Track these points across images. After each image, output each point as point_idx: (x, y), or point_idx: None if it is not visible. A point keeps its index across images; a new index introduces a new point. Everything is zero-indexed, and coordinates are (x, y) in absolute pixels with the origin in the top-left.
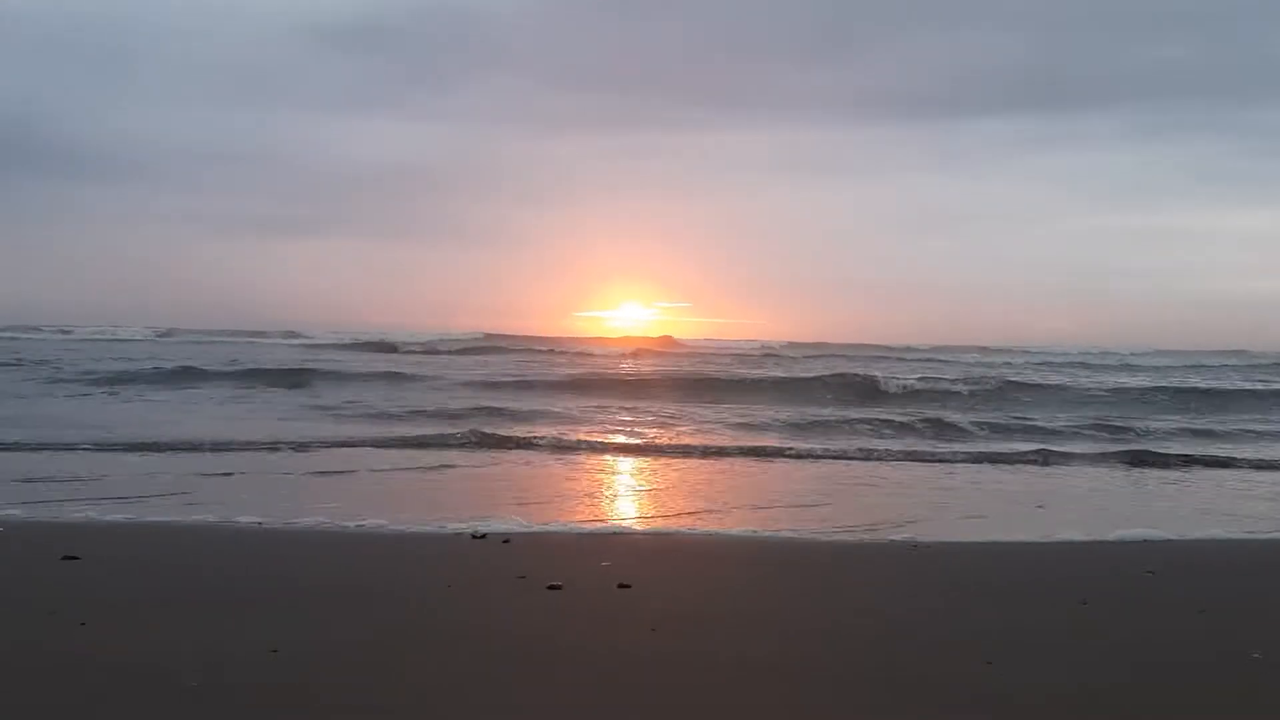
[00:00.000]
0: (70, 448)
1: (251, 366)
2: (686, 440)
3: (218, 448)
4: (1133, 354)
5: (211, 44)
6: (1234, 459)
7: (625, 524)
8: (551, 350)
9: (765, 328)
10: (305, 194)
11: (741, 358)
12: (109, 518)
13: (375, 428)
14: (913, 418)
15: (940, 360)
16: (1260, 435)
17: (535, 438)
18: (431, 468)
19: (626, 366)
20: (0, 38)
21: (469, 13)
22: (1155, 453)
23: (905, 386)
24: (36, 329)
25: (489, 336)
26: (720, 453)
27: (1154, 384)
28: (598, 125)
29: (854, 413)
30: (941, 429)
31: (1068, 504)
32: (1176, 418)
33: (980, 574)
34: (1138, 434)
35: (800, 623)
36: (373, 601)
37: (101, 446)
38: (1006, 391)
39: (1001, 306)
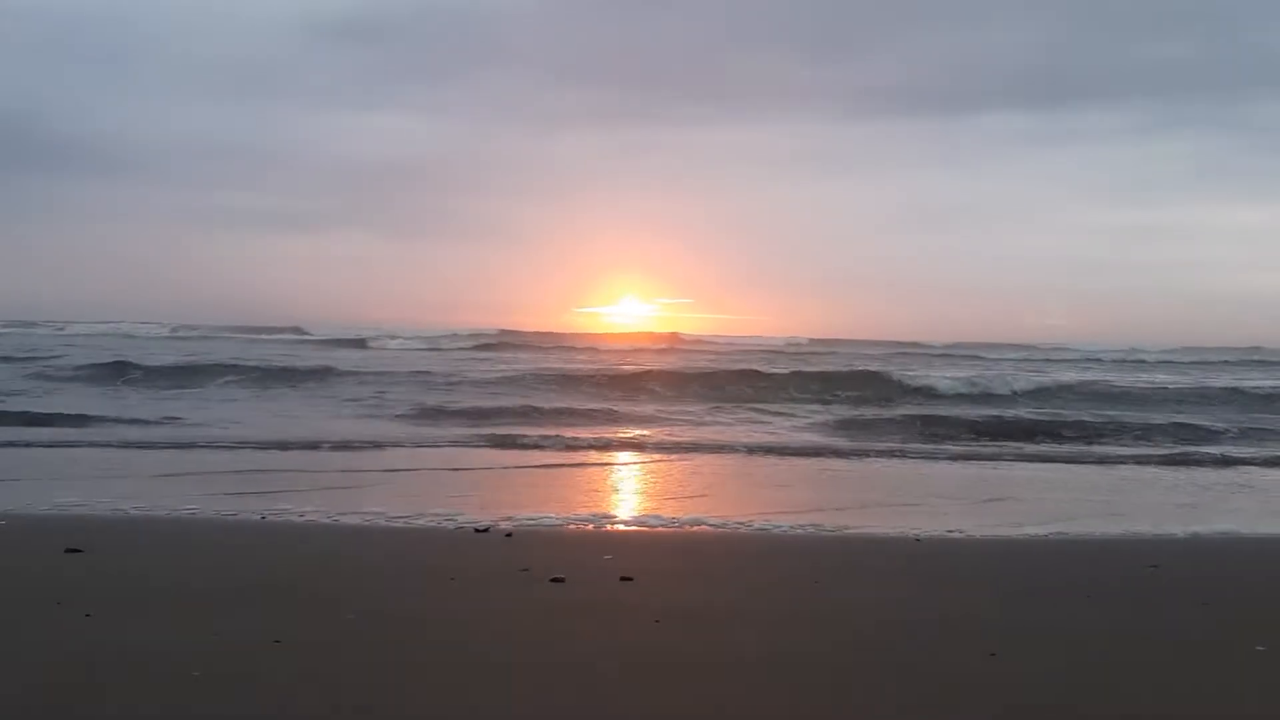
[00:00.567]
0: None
1: (294, 364)
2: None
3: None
4: (1162, 351)
5: (212, 40)
6: None
7: (628, 518)
8: (568, 347)
9: (768, 324)
10: (305, 189)
11: (778, 354)
12: (111, 511)
13: (471, 428)
14: (1063, 418)
15: (982, 358)
16: None
17: (643, 439)
18: (514, 467)
19: (662, 363)
20: (1, 35)
21: (469, 9)
22: None
23: (1016, 390)
24: (34, 324)
25: (503, 333)
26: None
27: (1230, 384)
28: (598, 121)
29: (1026, 411)
30: (1121, 432)
31: None
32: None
33: (983, 568)
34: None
35: (803, 616)
36: (376, 594)
37: (243, 444)
38: (1101, 392)
39: (1003, 304)
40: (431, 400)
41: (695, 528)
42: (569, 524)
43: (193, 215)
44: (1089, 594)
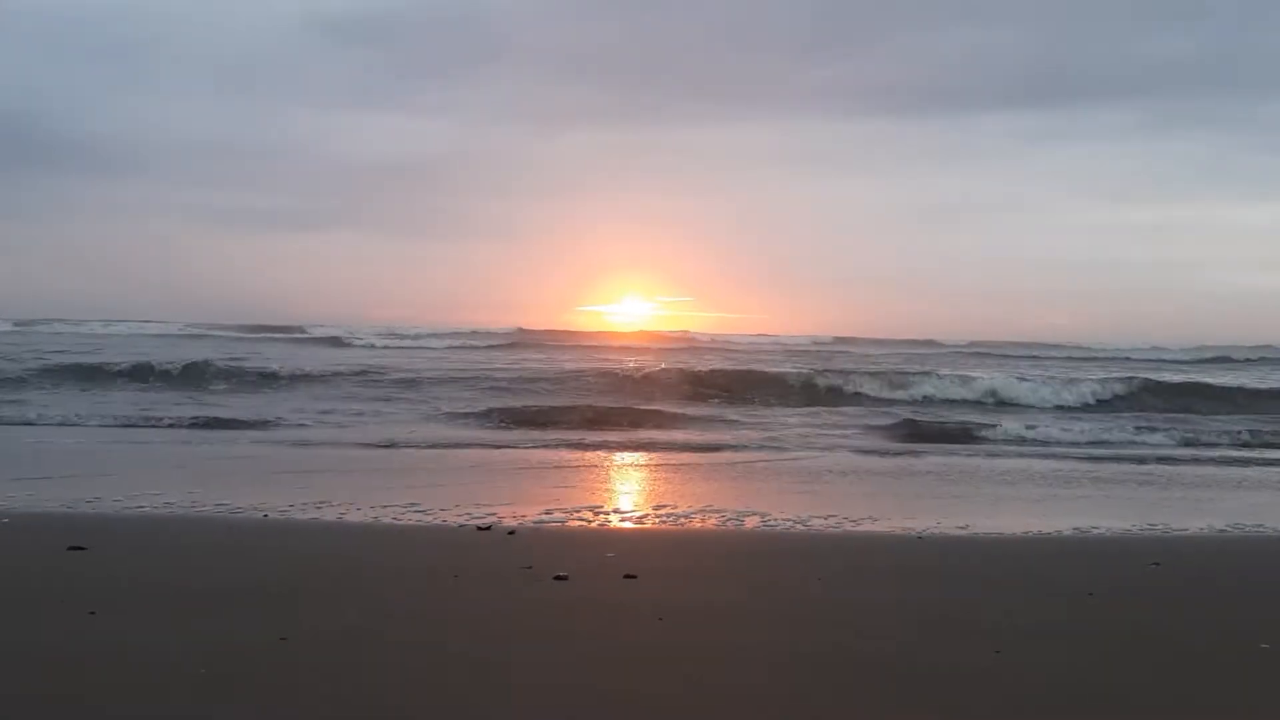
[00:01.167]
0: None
1: (340, 367)
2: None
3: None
4: (1183, 350)
5: (212, 38)
6: None
7: (630, 516)
8: (591, 346)
9: (770, 322)
10: (305, 189)
11: (828, 352)
12: (114, 509)
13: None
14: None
15: (1039, 357)
16: None
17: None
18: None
19: (714, 363)
20: (2, 32)
21: (471, 8)
22: None
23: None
24: (32, 323)
25: (521, 332)
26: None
27: None
28: (600, 120)
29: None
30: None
31: None
32: None
33: (986, 565)
34: None
35: (805, 613)
36: (380, 592)
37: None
38: (1189, 394)
39: (1009, 304)
40: (514, 402)
41: (699, 525)
42: (572, 522)
43: (193, 215)
44: (1091, 591)
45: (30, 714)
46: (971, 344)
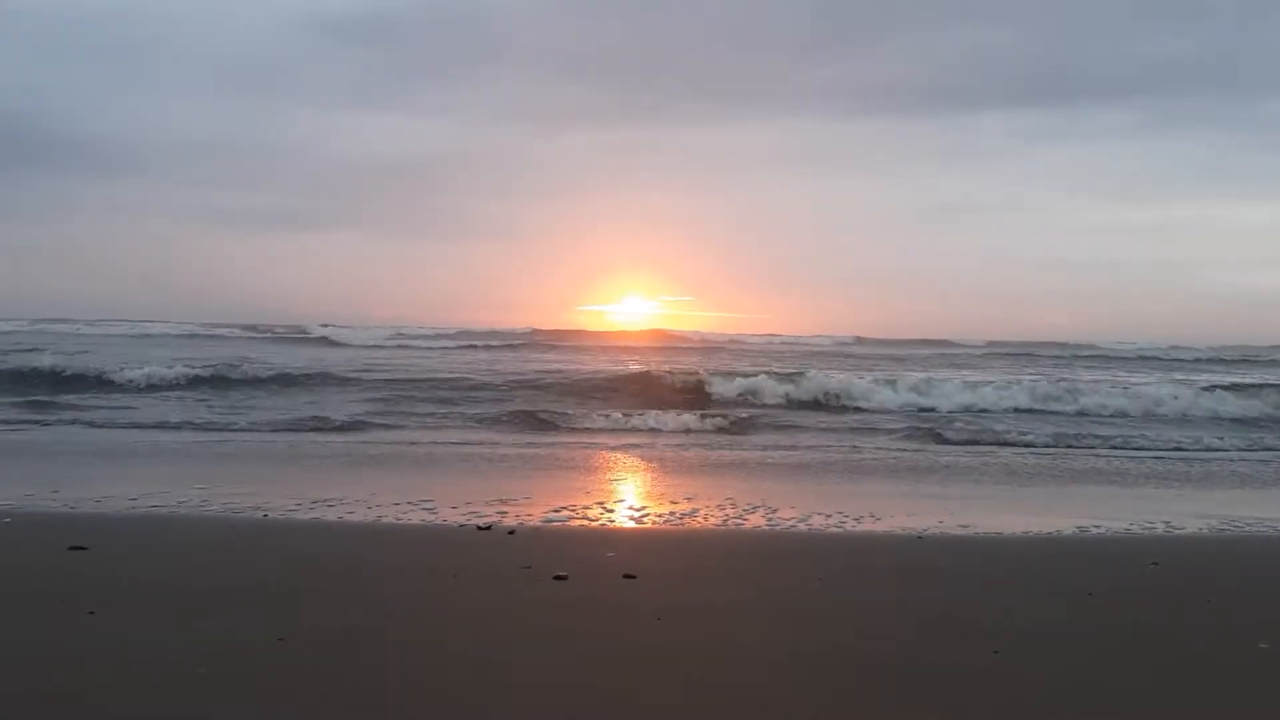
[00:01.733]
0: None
1: (367, 371)
2: None
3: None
4: (1209, 349)
5: (212, 38)
6: None
7: (631, 515)
8: (624, 347)
9: (771, 321)
10: (305, 188)
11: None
12: (115, 508)
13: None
14: None
15: (1071, 358)
16: None
17: None
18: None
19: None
20: (2, 32)
21: (471, 8)
22: None
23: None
24: (56, 321)
25: (536, 333)
26: None
27: None
28: (600, 119)
29: None
30: None
31: None
32: None
33: (985, 566)
34: None
35: (805, 612)
36: (379, 591)
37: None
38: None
39: (1005, 302)
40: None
41: (698, 524)
42: (572, 522)
43: (193, 215)
44: (1091, 591)
45: (30, 713)
46: (989, 344)
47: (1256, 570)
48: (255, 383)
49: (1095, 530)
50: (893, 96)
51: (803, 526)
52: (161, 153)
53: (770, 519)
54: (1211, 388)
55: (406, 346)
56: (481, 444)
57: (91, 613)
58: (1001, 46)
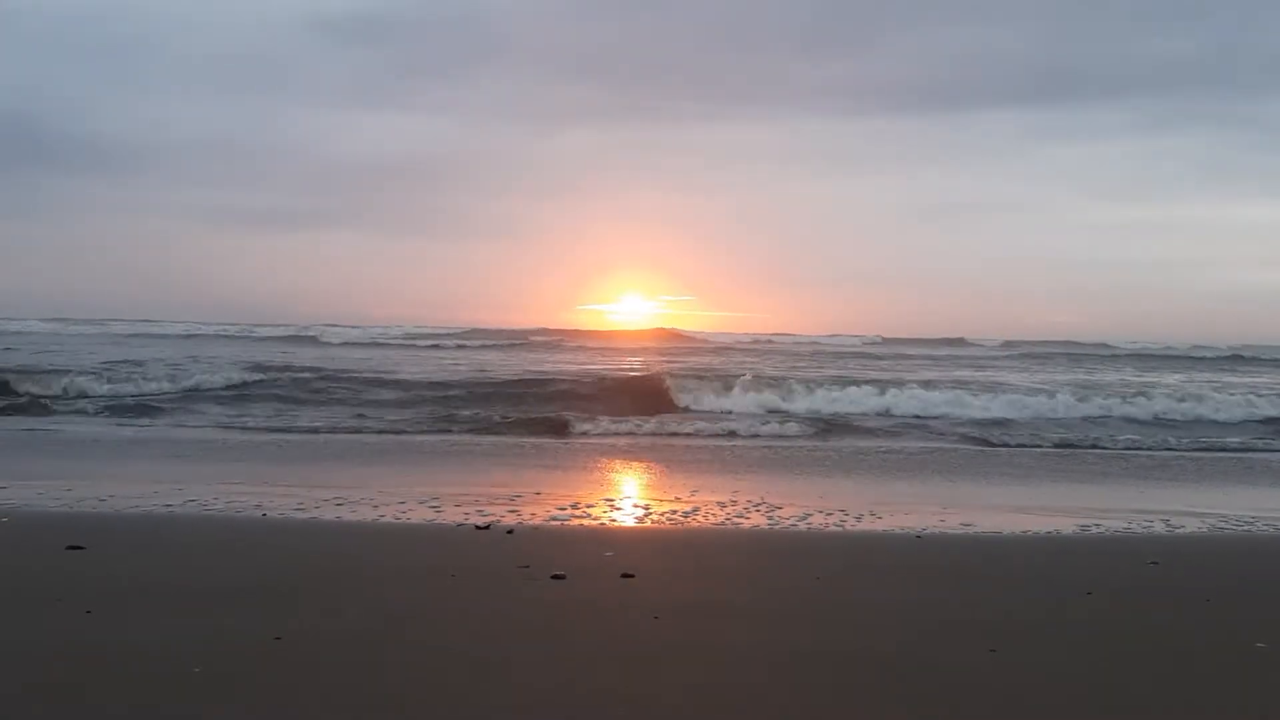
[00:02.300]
0: None
1: (386, 374)
2: None
3: None
4: (1230, 348)
5: (212, 38)
6: None
7: (630, 515)
8: (637, 348)
9: (771, 321)
10: (305, 188)
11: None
12: (113, 508)
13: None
14: None
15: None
16: None
17: None
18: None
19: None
20: (2, 32)
21: (471, 7)
22: None
23: None
24: (61, 320)
25: (544, 331)
26: None
27: None
28: (600, 119)
29: None
30: None
31: None
32: None
33: (984, 565)
34: None
35: (803, 612)
36: (378, 590)
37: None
38: None
39: (1011, 300)
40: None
41: (696, 524)
42: (570, 521)
43: (193, 214)
44: (1089, 590)
45: (30, 712)
46: (1006, 344)
47: (1255, 570)
48: (253, 384)
49: (1094, 529)
50: (893, 96)
51: (802, 526)
52: (161, 152)
53: (770, 517)
54: None
55: (407, 346)
56: (482, 444)
57: (88, 612)
58: (1002, 46)
